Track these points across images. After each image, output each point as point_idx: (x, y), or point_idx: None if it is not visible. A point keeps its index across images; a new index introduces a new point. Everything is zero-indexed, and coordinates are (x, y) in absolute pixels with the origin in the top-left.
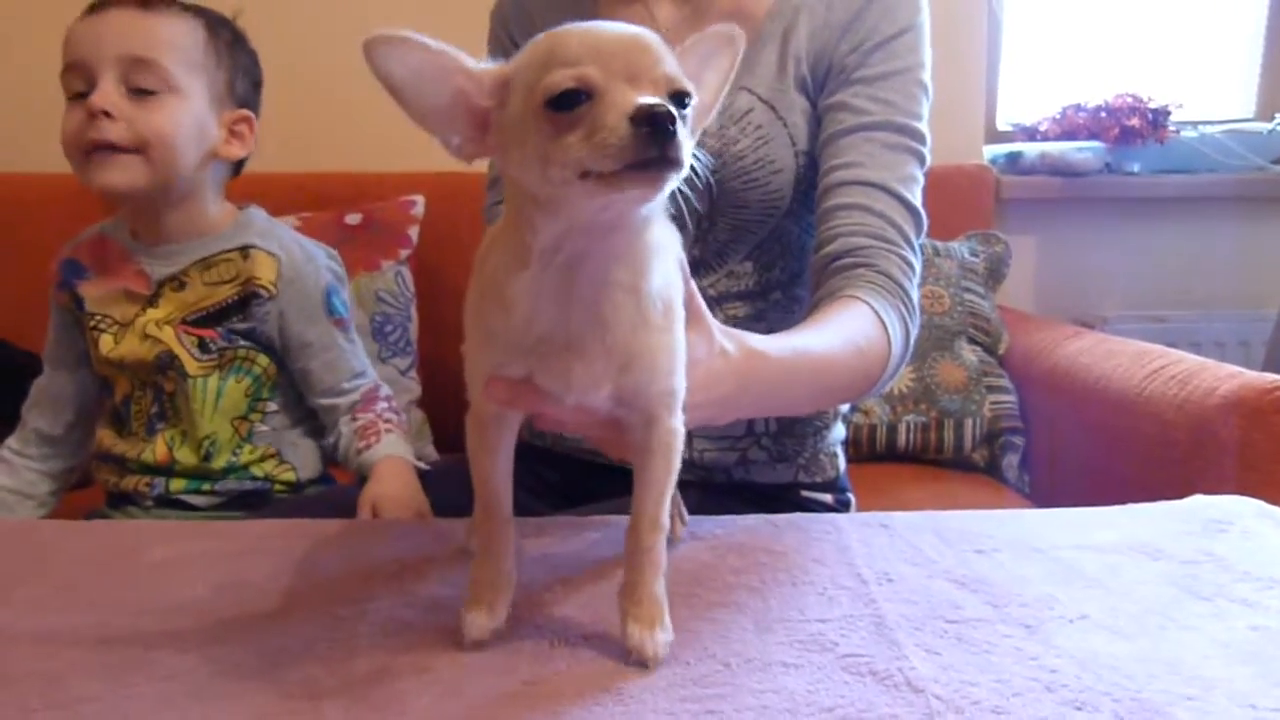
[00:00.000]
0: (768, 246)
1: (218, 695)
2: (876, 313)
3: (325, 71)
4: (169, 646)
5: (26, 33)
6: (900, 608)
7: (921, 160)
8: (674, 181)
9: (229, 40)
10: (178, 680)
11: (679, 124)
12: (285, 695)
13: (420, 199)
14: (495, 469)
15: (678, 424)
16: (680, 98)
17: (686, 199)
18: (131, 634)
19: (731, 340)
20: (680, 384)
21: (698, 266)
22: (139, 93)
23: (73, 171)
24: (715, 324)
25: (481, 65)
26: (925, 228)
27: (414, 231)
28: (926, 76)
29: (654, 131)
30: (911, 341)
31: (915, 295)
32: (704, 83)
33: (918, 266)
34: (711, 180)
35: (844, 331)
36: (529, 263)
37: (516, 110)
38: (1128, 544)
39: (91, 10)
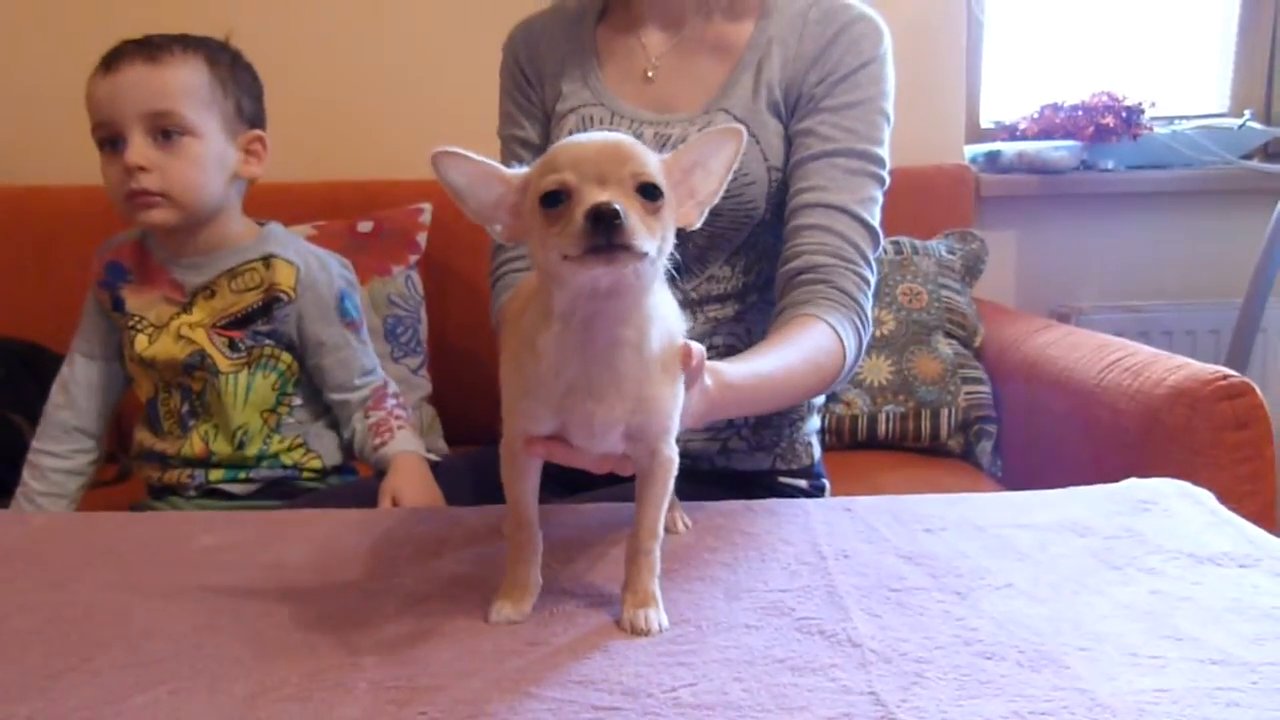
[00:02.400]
0: (744, 253)
1: (275, 654)
2: (833, 328)
3: (336, 85)
4: (228, 615)
5: (61, 52)
6: (852, 579)
7: (881, 182)
8: (634, 259)
9: (229, 65)
10: (239, 643)
11: (624, 216)
12: (330, 654)
13: (428, 206)
14: (524, 491)
15: (673, 452)
16: (647, 190)
17: None
18: (194, 607)
19: (711, 376)
20: (676, 422)
21: (679, 270)
22: (164, 135)
23: (117, 212)
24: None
25: (513, 170)
26: (882, 243)
27: (422, 238)
28: (889, 105)
29: (599, 224)
30: (864, 347)
31: (869, 306)
32: (710, 169)
33: (873, 280)
34: None
35: (804, 350)
36: (552, 322)
37: (528, 205)
38: (1060, 522)
39: (107, 69)
